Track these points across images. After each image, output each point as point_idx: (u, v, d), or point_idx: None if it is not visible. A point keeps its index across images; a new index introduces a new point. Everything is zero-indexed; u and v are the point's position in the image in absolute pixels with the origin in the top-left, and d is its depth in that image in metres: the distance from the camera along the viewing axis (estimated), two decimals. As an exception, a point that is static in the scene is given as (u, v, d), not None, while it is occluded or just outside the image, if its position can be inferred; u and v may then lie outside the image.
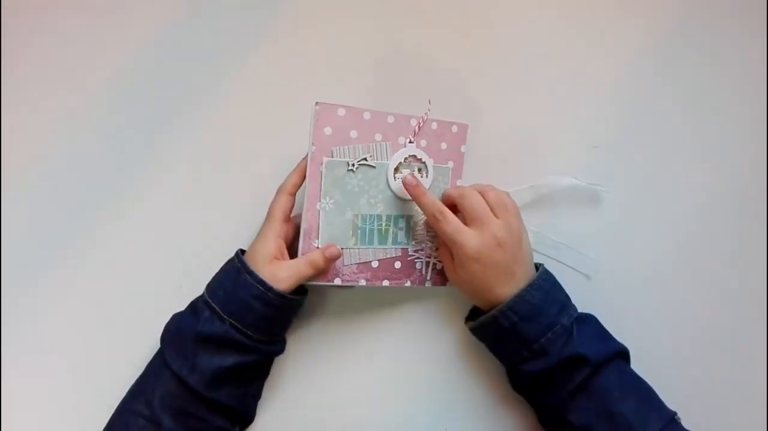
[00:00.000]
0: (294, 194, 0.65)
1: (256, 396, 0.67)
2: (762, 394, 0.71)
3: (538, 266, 0.67)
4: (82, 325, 0.70)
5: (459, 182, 0.71)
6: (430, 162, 0.69)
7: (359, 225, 0.66)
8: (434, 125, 0.69)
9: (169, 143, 0.73)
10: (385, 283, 0.68)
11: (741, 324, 0.72)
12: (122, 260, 0.71)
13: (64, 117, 0.72)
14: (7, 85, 0.72)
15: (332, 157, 0.64)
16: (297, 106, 0.67)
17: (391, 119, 0.66)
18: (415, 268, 0.69)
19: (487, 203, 0.63)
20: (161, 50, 0.74)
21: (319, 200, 0.64)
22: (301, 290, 0.65)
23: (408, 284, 0.69)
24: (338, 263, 0.66)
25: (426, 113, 0.68)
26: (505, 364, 0.67)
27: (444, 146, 0.69)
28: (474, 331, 0.67)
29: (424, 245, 0.69)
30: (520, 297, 0.62)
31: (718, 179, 0.73)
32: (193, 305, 0.63)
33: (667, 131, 0.74)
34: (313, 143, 0.63)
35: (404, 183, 0.64)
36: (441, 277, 0.70)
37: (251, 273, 0.61)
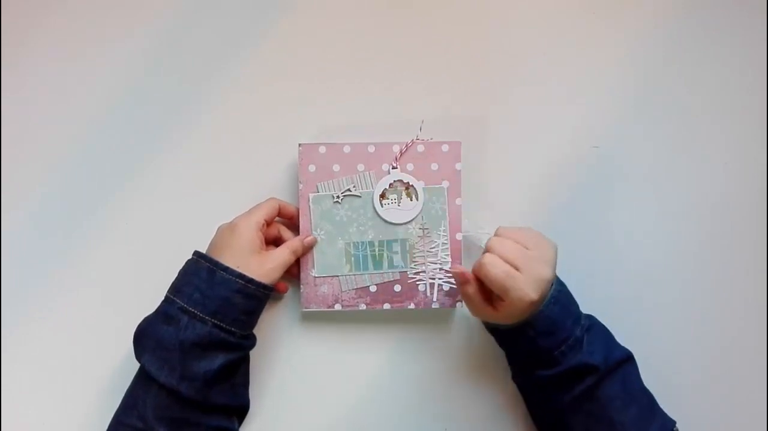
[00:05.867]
0: (279, 210, 0.69)
1: (245, 383, 0.68)
2: (762, 395, 0.71)
3: None
4: (81, 326, 0.72)
5: (458, 201, 0.70)
6: (418, 184, 0.70)
7: (352, 252, 0.70)
8: (420, 148, 0.70)
9: (168, 145, 0.74)
10: (386, 306, 0.70)
11: (741, 325, 0.72)
12: (121, 261, 0.73)
13: (63, 118, 0.74)
14: (8, 85, 0.73)
15: (317, 192, 0.70)
16: (302, 115, 0.74)
17: (371, 149, 0.70)
18: (418, 290, 0.70)
19: (507, 261, 0.60)
20: (159, 54, 0.74)
21: (311, 233, 0.70)
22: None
23: (411, 306, 0.69)
24: (336, 289, 0.70)
25: (417, 136, 0.70)
26: (513, 364, 0.66)
27: (435, 166, 0.70)
28: (487, 327, 0.66)
29: (425, 266, 0.70)
30: (541, 313, 0.61)
31: (719, 178, 0.73)
32: (165, 315, 0.63)
33: (667, 131, 0.73)
34: (300, 182, 0.70)
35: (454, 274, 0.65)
36: (449, 298, 0.69)
37: (227, 269, 0.63)
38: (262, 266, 0.65)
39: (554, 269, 0.61)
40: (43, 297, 0.72)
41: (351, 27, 0.75)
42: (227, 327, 0.63)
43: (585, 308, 0.65)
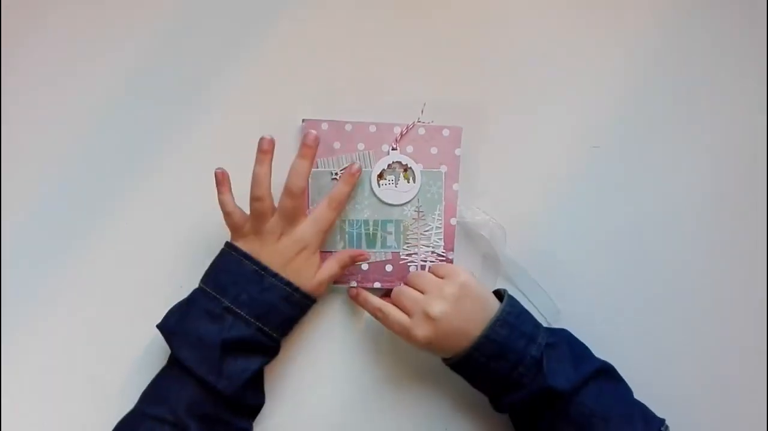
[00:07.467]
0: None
1: (263, 382, 0.68)
2: (762, 395, 0.71)
3: (502, 293, 0.65)
4: (81, 326, 0.72)
5: (455, 186, 0.71)
6: (417, 167, 0.70)
7: (346, 230, 0.70)
8: (421, 131, 0.71)
9: (170, 142, 0.73)
10: (377, 284, 0.70)
11: (741, 325, 0.72)
12: (122, 261, 0.73)
13: (63, 118, 0.74)
14: (7, 85, 0.73)
15: (317, 167, 0.70)
16: (301, 107, 0.73)
17: (372, 129, 0.70)
18: (409, 272, 0.70)
19: (420, 290, 0.65)
20: (159, 52, 0.74)
21: (308, 208, 0.70)
22: None
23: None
24: (329, 265, 0.70)
25: (418, 119, 0.71)
26: (485, 394, 0.66)
27: (434, 150, 0.71)
28: (451, 367, 0.66)
29: (417, 248, 0.70)
30: (486, 337, 0.62)
31: (719, 178, 0.73)
32: (208, 312, 0.63)
33: (667, 131, 0.74)
34: (300, 156, 0.70)
35: (348, 294, 0.68)
36: (439, 281, 0.70)
37: (276, 275, 0.64)
38: (312, 277, 0.66)
39: (450, 303, 0.62)
40: (43, 297, 0.72)
41: (358, 11, 0.75)
42: (270, 332, 0.64)
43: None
